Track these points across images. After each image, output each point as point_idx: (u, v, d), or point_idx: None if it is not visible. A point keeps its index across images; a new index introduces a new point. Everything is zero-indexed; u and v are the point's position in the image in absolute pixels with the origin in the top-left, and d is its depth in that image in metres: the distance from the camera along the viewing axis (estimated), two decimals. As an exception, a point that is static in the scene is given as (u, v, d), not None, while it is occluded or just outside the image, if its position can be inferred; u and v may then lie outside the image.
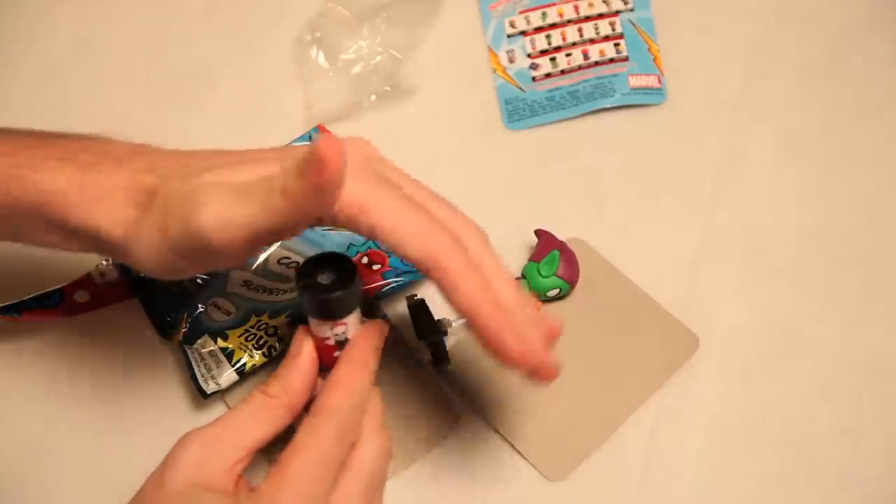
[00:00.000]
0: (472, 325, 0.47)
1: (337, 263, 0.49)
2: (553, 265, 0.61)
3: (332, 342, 0.51)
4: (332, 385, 0.49)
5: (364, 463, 0.49)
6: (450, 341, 0.61)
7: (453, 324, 0.60)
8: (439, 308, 0.60)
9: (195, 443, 0.47)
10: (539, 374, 0.48)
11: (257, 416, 0.49)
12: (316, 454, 0.47)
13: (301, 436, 0.47)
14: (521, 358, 0.47)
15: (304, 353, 0.50)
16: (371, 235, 0.46)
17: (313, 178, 0.42)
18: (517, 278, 0.61)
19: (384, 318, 0.60)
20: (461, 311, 0.46)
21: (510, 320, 0.47)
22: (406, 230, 0.46)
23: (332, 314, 0.50)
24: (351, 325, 0.51)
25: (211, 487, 0.47)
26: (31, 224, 0.49)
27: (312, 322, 0.51)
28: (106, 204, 0.47)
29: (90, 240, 0.48)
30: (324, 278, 0.49)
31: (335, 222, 0.46)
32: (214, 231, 0.44)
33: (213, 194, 0.45)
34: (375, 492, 0.49)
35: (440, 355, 0.60)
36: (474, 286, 0.46)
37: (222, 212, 0.44)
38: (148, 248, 0.46)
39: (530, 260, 0.62)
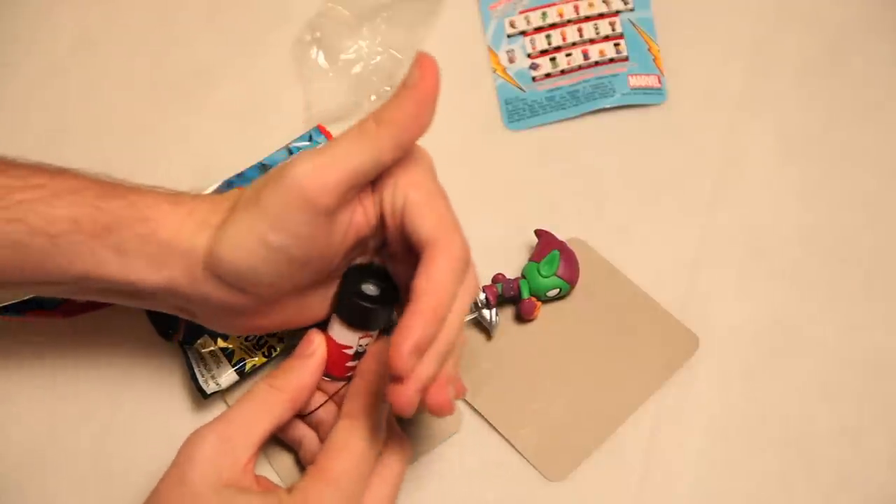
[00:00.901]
0: (406, 312, 0.46)
1: (380, 275, 0.50)
2: (553, 265, 0.61)
3: (351, 352, 0.51)
4: (360, 391, 0.51)
5: (391, 466, 0.51)
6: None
7: None
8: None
9: (209, 440, 0.48)
10: (396, 395, 0.45)
11: (264, 409, 0.50)
12: (356, 455, 0.49)
13: (339, 437, 0.49)
14: (401, 369, 0.44)
15: (317, 355, 0.51)
16: (400, 206, 0.47)
17: (417, 84, 0.44)
18: (517, 278, 0.61)
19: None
20: (414, 292, 0.45)
21: (429, 336, 0.45)
22: (434, 211, 0.47)
23: (369, 326, 0.51)
24: (374, 337, 0.51)
25: (237, 486, 0.47)
26: (122, 246, 0.48)
27: (338, 328, 0.51)
28: (195, 216, 0.48)
29: (176, 259, 0.47)
30: (369, 289, 0.50)
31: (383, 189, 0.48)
32: (309, 175, 0.44)
33: (303, 155, 0.45)
34: (397, 495, 0.51)
35: None
36: (446, 292, 0.45)
37: (314, 157, 0.45)
38: (239, 237, 0.46)
39: (530, 260, 0.62)
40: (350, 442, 0.49)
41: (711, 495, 0.59)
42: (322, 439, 0.54)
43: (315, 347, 0.52)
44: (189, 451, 0.48)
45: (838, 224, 0.65)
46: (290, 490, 0.48)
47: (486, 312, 0.60)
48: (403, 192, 0.47)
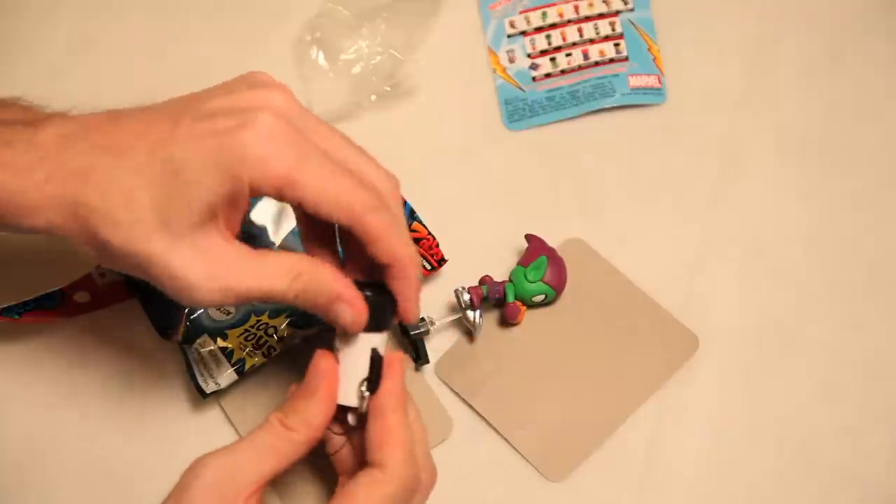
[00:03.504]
0: (393, 274, 0.48)
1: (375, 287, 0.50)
2: (540, 271, 0.60)
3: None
4: (387, 438, 0.48)
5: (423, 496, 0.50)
6: (446, 342, 0.62)
7: (436, 322, 0.60)
8: (425, 306, 0.60)
9: (210, 469, 0.46)
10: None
11: (275, 449, 0.47)
12: (409, 443, 0.48)
13: (363, 494, 0.47)
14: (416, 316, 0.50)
15: (328, 389, 0.49)
16: (297, 205, 0.47)
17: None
18: (504, 282, 0.61)
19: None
20: (387, 261, 0.48)
21: (419, 280, 0.49)
22: (331, 199, 0.46)
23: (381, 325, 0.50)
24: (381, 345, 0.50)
25: None
26: None
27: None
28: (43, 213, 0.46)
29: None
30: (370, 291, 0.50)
31: (263, 194, 0.46)
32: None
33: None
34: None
35: (419, 353, 0.60)
36: (400, 240, 0.47)
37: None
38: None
39: (519, 264, 0.61)
40: (375, 499, 0.47)
41: (711, 495, 0.59)
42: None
43: (323, 380, 0.49)
44: (188, 480, 0.46)
45: (838, 224, 0.65)
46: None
47: (469, 314, 0.60)
48: (302, 196, 0.46)
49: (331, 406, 0.49)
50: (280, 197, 0.46)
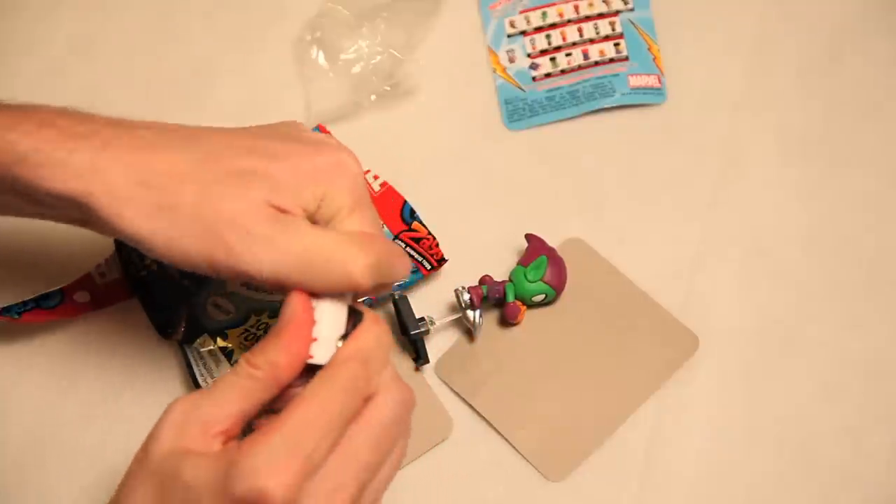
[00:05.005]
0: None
1: None
2: (540, 270, 0.60)
3: None
4: (353, 335, 0.46)
5: (378, 412, 0.44)
6: (446, 342, 0.62)
7: (436, 322, 0.60)
8: (425, 306, 0.61)
9: (177, 408, 0.44)
10: None
11: (240, 388, 0.45)
12: (319, 406, 0.43)
13: (309, 387, 0.44)
14: None
15: (296, 327, 0.46)
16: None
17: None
18: (504, 281, 0.61)
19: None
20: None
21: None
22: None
23: None
24: None
25: (191, 451, 0.43)
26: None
27: None
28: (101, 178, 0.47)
29: (71, 207, 0.47)
30: None
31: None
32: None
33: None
34: (393, 445, 0.45)
35: (419, 353, 0.60)
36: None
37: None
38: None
39: (519, 264, 0.61)
40: (318, 390, 0.43)
41: (711, 495, 0.59)
42: None
43: (289, 317, 0.45)
44: (156, 424, 0.44)
45: (838, 224, 0.65)
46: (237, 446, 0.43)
47: (469, 313, 0.60)
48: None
49: (299, 345, 0.45)
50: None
